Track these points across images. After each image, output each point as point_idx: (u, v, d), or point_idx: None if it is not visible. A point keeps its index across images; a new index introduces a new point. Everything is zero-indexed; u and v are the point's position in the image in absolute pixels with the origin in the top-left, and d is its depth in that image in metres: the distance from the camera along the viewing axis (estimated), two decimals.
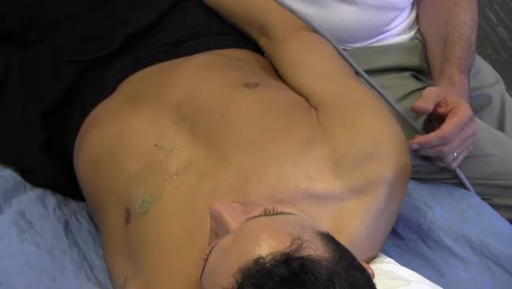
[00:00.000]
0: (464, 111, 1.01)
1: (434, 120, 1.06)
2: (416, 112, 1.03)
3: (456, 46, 1.12)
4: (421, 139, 1.01)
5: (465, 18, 1.15)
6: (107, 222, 0.94)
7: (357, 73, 1.05)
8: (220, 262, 0.68)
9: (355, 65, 1.04)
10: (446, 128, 1.00)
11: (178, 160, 0.88)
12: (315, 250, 0.65)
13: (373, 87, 1.03)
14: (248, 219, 0.70)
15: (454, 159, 1.05)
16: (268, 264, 0.63)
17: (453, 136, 1.00)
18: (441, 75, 1.10)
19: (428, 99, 1.02)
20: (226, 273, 0.64)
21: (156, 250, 0.85)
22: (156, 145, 0.90)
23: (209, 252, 0.70)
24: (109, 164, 0.93)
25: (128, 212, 0.88)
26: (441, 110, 1.02)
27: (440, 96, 1.03)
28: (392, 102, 1.04)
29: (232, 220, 0.71)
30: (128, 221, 0.88)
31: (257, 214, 0.71)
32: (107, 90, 1.02)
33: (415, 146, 1.01)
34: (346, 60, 1.04)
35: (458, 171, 1.09)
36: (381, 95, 1.03)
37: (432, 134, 1.01)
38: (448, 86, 1.07)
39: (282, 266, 0.62)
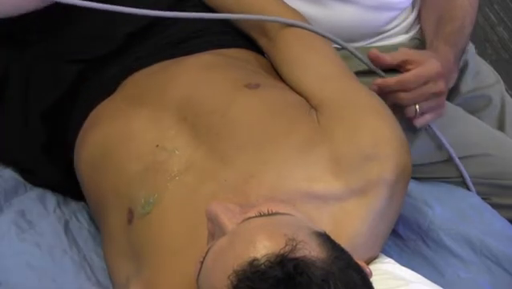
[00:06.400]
0: (430, 64, 1.01)
1: None
2: (370, 58, 1.04)
3: (447, 24, 1.12)
4: (379, 81, 1.01)
5: (462, 2, 1.15)
6: (108, 222, 0.94)
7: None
8: (215, 263, 0.68)
9: (359, 55, 1.04)
10: (406, 74, 1.01)
11: (180, 161, 0.88)
12: (310, 250, 0.64)
13: (352, 52, 1.04)
14: (243, 220, 0.70)
15: (417, 113, 1.03)
16: (263, 266, 0.63)
17: (413, 84, 1.00)
18: (429, 48, 1.10)
19: (392, 55, 1.02)
20: (222, 275, 0.65)
21: (158, 250, 0.85)
22: (157, 146, 0.90)
23: (206, 253, 0.70)
24: (110, 165, 0.93)
25: (130, 212, 0.89)
26: (411, 67, 1.02)
27: (409, 56, 1.03)
28: (358, 53, 1.05)
29: (228, 221, 0.71)
30: (130, 221, 0.88)
31: (252, 215, 0.71)
32: (108, 90, 1.02)
33: (373, 88, 1.01)
34: (353, 54, 1.04)
35: (462, 169, 1.09)
36: (351, 52, 1.04)
37: (392, 78, 1.01)
38: (429, 52, 1.07)
39: (276, 267, 0.62)
